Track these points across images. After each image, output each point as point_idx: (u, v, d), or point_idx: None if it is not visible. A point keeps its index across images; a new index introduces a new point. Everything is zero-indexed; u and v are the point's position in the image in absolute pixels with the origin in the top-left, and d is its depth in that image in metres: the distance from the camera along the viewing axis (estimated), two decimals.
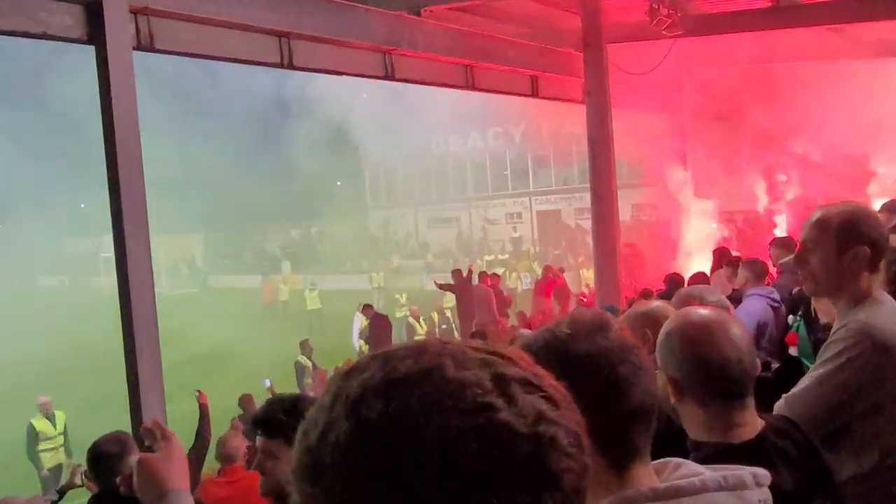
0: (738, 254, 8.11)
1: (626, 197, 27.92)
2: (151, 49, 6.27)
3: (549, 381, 0.65)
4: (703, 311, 1.61)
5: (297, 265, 37.54)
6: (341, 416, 0.62)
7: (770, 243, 6.02)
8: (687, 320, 1.58)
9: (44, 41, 5.78)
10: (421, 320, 16.00)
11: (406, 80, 9.39)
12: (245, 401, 9.24)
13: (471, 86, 10.04)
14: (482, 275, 15.77)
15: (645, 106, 14.05)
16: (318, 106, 29.52)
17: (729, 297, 6.10)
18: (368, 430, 0.60)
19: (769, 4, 10.74)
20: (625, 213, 28.70)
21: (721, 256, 8.00)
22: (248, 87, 32.01)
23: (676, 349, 1.55)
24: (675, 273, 8.11)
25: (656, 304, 2.60)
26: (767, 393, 2.24)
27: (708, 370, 1.50)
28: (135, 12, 6.05)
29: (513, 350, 0.67)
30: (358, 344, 15.01)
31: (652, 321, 2.40)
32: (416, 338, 14.50)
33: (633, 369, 1.15)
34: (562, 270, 17.31)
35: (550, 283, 16.12)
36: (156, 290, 6.60)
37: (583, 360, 1.14)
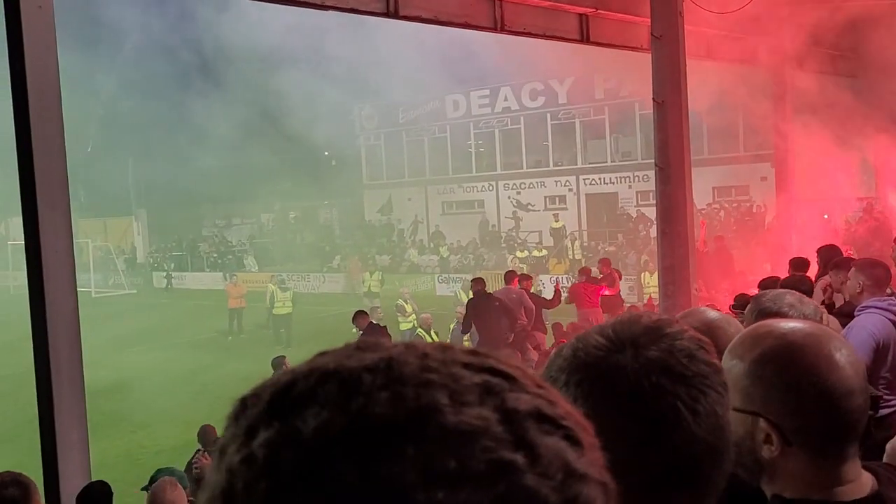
0: (852, 253, 8.03)
1: (706, 177, 27.95)
2: None
3: (565, 406, 0.61)
4: (801, 325, 1.59)
5: (267, 260, 37.78)
6: (296, 481, 0.54)
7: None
8: (787, 340, 1.53)
9: None
10: (433, 333, 16.06)
11: (413, 19, 9.38)
12: (204, 433, 9.31)
13: (499, 27, 10.01)
14: (510, 275, 15.72)
15: (731, 55, 13.97)
16: (290, 43, 29.50)
17: (837, 311, 6.08)
18: None
19: None
20: (703, 197, 28.71)
21: (829, 256, 7.92)
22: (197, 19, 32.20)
23: (779, 380, 1.50)
24: (772, 276, 8.05)
25: (714, 314, 2.56)
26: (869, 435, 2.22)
27: (830, 406, 1.47)
28: None
29: (511, 359, 0.63)
30: None
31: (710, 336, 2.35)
32: None
33: (698, 394, 1.13)
34: (618, 274, 17.21)
35: (594, 290, 16.08)
36: (80, 289, 6.65)
37: (620, 382, 1.12)
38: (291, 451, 0.54)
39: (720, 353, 2.39)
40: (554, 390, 0.63)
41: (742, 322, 2.83)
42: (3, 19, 5.84)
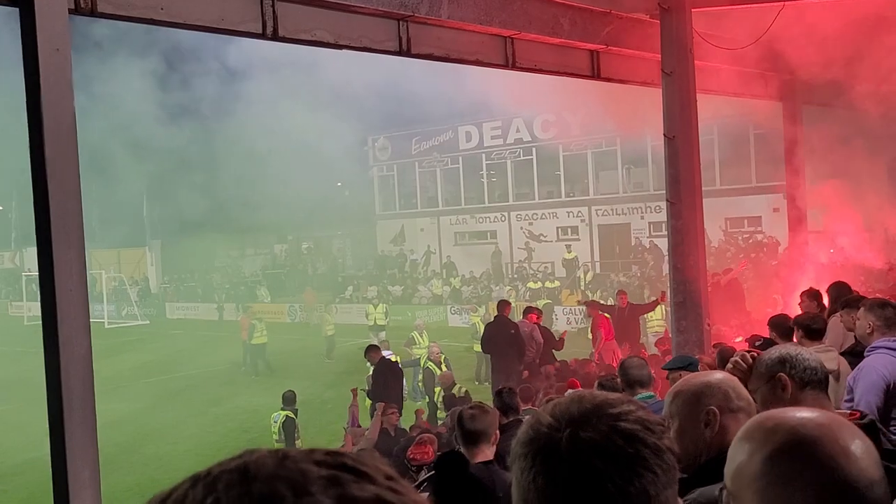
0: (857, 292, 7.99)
1: (718, 207, 27.91)
2: (93, 13, 6.41)
3: (412, 496, 0.71)
4: (811, 416, 1.51)
5: (280, 291, 37.86)
6: None
7: None
8: (800, 434, 1.46)
9: None
10: (444, 364, 16.10)
11: (426, 57, 9.47)
12: None
13: (511, 64, 10.09)
14: (528, 309, 15.79)
15: (742, 90, 14.02)
16: (307, 74, 29.82)
17: (848, 351, 6.06)
18: None
19: None
20: (715, 226, 28.66)
21: (839, 293, 7.90)
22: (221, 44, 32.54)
23: (799, 478, 1.43)
24: (781, 314, 8.01)
25: (717, 377, 2.58)
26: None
27: (855, 501, 1.40)
28: None
29: (371, 457, 0.74)
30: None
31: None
32: (438, 388, 14.62)
33: (631, 474, 1.20)
34: (630, 307, 17.19)
35: (607, 321, 16.13)
36: (93, 320, 6.69)
37: (566, 463, 1.21)
38: None
39: (725, 412, 2.41)
40: (405, 485, 0.72)
41: (756, 373, 2.84)
42: (22, 44, 5.96)
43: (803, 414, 1.53)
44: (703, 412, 2.48)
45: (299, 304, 35.22)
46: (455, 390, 13.44)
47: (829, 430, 1.46)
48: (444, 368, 15.94)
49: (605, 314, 16.71)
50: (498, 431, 5.02)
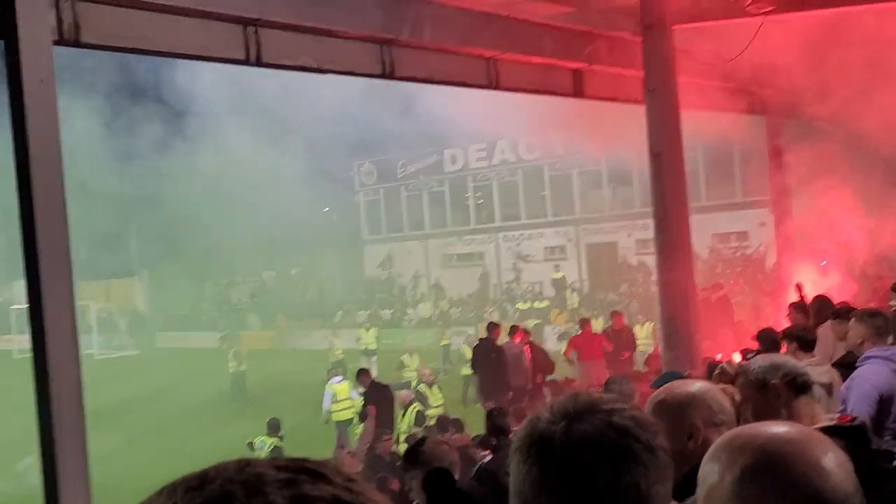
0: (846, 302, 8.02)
1: (705, 223, 28.02)
2: (76, 43, 6.41)
3: (371, 496, 0.74)
4: (781, 431, 1.48)
5: (269, 318, 37.71)
6: None
7: (892, 287, 5.96)
8: (769, 451, 1.43)
9: None
10: (436, 387, 16.06)
11: (410, 79, 9.52)
12: None
13: (494, 84, 10.15)
14: (513, 329, 15.74)
15: (726, 105, 14.12)
16: (291, 100, 29.87)
17: (839, 363, 6.06)
18: None
19: None
20: (703, 243, 28.76)
21: (823, 307, 7.93)
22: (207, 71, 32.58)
23: (770, 499, 1.39)
24: (768, 329, 8.02)
25: (699, 387, 2.56)
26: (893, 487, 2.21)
27: None
28: None
29: (332, 462, 0.76)
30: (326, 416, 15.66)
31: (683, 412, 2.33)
32: (431, 412, 14.56)
33: (622, 467, 1.25)
34: (625, 329, 17.13)
35: (596, 342, 16.06)
36: (83, 351, 6.64)
37: (559, 454, 1.26)
38: None
39: (708, 426, 2.39)
40: (365, 485, 0.75)
41: (740, 387, 2.83)
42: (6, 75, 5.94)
43: (773, 430, 1.49)
44: (687, 425, 2.41)
45: (289, 331, 35.17)
46: (409, 410, 13.60)
47: (800, 446, 1.42)
48: (436, 390, 15.90)
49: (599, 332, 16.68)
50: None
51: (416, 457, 4.67)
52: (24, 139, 5.85)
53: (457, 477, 4.79)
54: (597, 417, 1.30)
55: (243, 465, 0.75)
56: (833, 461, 1.40)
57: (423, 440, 5.02)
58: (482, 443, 8.16)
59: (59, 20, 6.25)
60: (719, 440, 1.54)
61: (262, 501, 0.70)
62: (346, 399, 15.61)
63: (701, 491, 1.48)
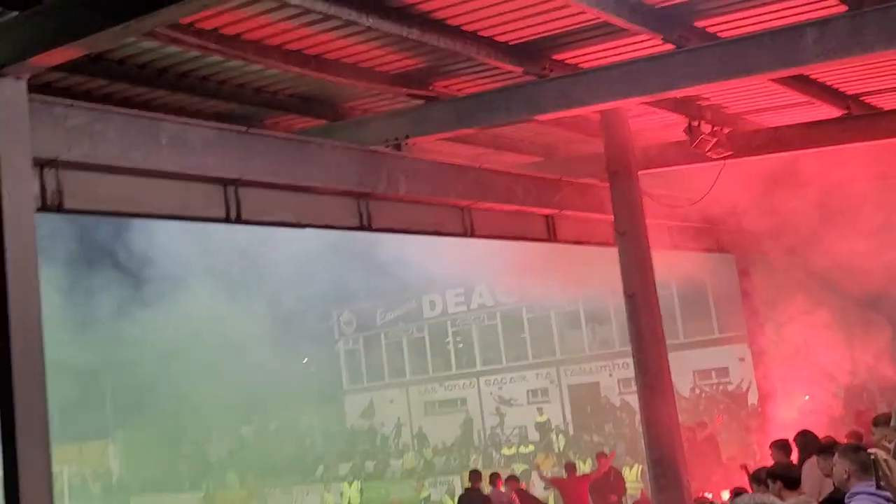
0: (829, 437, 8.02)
1: (685, 361, 28.03)
2: (59, 209, 6.56)
3: None
4: None
5: (248, 475, 36.69)
6: None
7: (873, 422, 5.99)
8: None
9: None
10: None
11: (387, 230, 9.74)
12: None
13: (469, 232, 10.40)
14: (494, 477, 15.43)
15: (695, 244, 14.48)
16: (267, 257, 30.18)
17: (827, 499, 6.01)
18: None
19: (840, 114, 11.38)
20: (684, 381, 28.67)
21: (808, 442, 7.92)
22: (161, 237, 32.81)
23: None
24: (761, 468, 7.95)
25: None
26: None
27: None
28: (40, 166, 6.40)
29: None
30: None
31: None
32: None
33: None
34: (612, 471, 16.77)
35: (581, 484, 15.75)
36: None
37: None
38: None
39: None
40: None
41: None
42: None
43: None
44: None
45: (269, 489, 34.14)
46: None
47: None
48: None
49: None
50: None
51: None
52: (4, 306, 5.89)
53: None
54: None
55: None
56: None
57: None
58: None
59: (43, 188, 6.42)
60: None
61: None
62: None
63: None
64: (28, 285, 5.99)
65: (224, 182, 7.87)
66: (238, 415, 42.75)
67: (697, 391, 29.85)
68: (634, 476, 18.40)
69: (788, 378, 17.43)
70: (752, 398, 23.90)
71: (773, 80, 9.75)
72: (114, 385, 42.25)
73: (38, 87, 6.86)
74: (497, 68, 9.02)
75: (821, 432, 9.94)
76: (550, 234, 11.72)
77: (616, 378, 32.85)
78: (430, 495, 24.73)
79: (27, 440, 5.89)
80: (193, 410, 39.26)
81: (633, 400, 23.80)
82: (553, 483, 16.88)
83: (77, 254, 35.64)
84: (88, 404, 41.12)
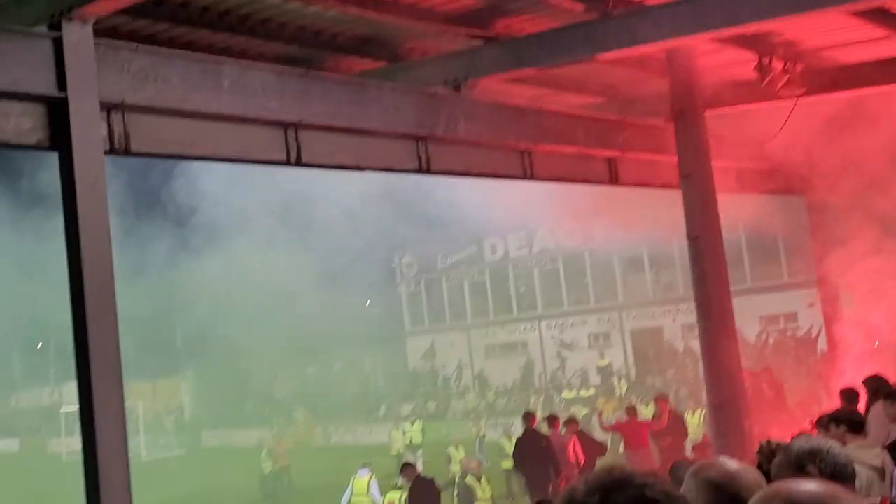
0: None
1: (752, 306, 27.64)
2: (127, 152, 6.72)
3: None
4: (811, 487, 1.62)
5: (314, 413, 37.63)
6: None
7: None
8: (792, 500, 1.58)
9: None
10: (484, 479, 15.85)
11: (446, 173, 9.73)
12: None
13: (529, 175, 10.32)
14: (552, 419, 15.53)
15: (763, 186, 14.16)
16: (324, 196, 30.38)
17: (892, 445, 5.93)
18: None
19: None
20: (751, 327, 28.33)
21: (878, 386, 7.78)
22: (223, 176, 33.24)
23: None
24: (826, 413, 7.86)
25: (733, 465, 2.57)
26: None
27: None
28: (107, 109, 6.54)
29: None
30: None
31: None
32: None
33: None
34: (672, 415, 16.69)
35: (642, 429, 15.72)
36: (131, 453, 6.73)
37: None
38: None
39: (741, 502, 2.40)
40: None
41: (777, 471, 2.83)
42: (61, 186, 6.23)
43: (805, 486, 1.63)
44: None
45: (333, 426, 35.00)
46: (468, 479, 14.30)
47: (821, 500, 1.55)
48: (483, 482, 15.67)
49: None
50: None
51: None
52: (76, 246, 6.10)
53: None
54: (630, 490, 1.37)
55: None
56: None
57: None
58: None
59: (111, 132, 6.57)
60: (759, 492, 1.71)
61: None
62: (363, 495, 15.48)
63: None
64: (99, 226, 6.19)
65: (284, 125, 7.94)
66: (303, 356, 43.73)
67: (764, 337, 29.50)
68: (697, 421, 18.33)
69: (858, 323, 17.08)
70: (822, 344, 23.53)
71: (851, 14, 9.38)
72: (179, 328, 43.48)
73: (104, 31, 6.97)
74: (558, 6, 8.85)
75: (890, 378, 9.76)
76: (612, 176, 11.57)
77: (680, 323, 32.59)
78: (485, 435, 25.07)
79: (101, 374, 6.13)
80: (259, 352, 40.26)
81: (697, 345, 23.65)
82: (613, 430, 16.91)
83: (126, 203, 36.48)
84: (158, 345, 42.49)
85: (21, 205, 35.87)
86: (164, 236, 37.37)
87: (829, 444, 2.98)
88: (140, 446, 33.51)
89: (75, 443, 6.45)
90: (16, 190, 37.28)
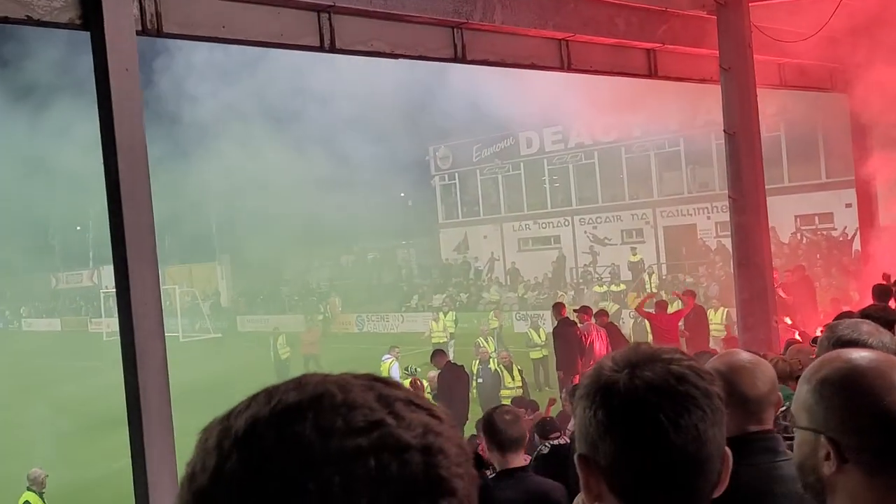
0: None
1: (788, 205, 27.32)
2: (159, 33, 6.67)
3: (430, 403, 0.88)
4: (870, 354, 1.66)
5: (347, 302, 38.32)
6: (233, 452, 0.81)
7: None
8: (852, 364, 1.62)
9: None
10: (516, 369, 16.18)
11: (482, 63, 9.57)
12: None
13: (567, 66, 10.14)
14: (583, 311, 15.68)
15: (805, 82, 13.80)
16: (361, 87, 30.07)
17: None
18: (265, 460, 0.79)
19: None
20: (786, 226, 28.07)
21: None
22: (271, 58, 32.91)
23: (840, 401, 1.58)
24: (847, 311, 7.86)
25: (746, 356, 2.59)
26: None
27: (885, 427, 1.55)
28: None
29: (391, 379, 0.90)
30: None
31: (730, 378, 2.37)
32: (505, 392, 14.84)
33: (682, 409, 1.36)
34: (697, 310, 16.81)
35: (672, 322, 15.86)
36: (168, 334, 6.93)
37: (623, 398, 1.38)
38: (236, 433, 0.83)
39: (742, 392, 2.43)
40: (422, 396, 0.90)
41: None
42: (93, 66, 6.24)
43: (864, 353, 1.68)
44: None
45: (366, 315, 35.65)
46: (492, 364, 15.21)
47: (879, 365, 1.60)
48: (516, 373, 15.99)
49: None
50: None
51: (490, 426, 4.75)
52: (110, 127, 6.14)
53: (524, 451, 4.91)
54: (658, 366, 1.39)
55: (327, 374, 0.87)
56: None
57: (496, 408, 5.14)
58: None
59: (142, 11, 6.51)
60: (817, 358, 1.76)
61: (357, 398, 0.83)
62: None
63: (794, 398, 1.68)
64: (131, 106, 6.21)
65: (318, 9, 7.81)
66: (337, 246, 44.24)
67: (799, 236, 29.25)
68: (719, 318, 18.45)
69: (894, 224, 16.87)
70: (857, 245, 23.32)
71: None
72: (222, 210, 43.94)
73: None
74: None
75: None
76: (651, 69, 11.32)
77: (714, 221, 32.37)
78: (500, 325, 25.57)
79: (137, 257, 6.26)
80: (295, 239, 40.77)
81: (730, 243, 23.54)
82: (646, 316, 17.07)
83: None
84: (199, 227, 43.08)
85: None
86: (193, 125, 37.39)
87: (877, 328, 3.00)
88: (177, 329, 34.44)
89: (115, 323, 6.67)
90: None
